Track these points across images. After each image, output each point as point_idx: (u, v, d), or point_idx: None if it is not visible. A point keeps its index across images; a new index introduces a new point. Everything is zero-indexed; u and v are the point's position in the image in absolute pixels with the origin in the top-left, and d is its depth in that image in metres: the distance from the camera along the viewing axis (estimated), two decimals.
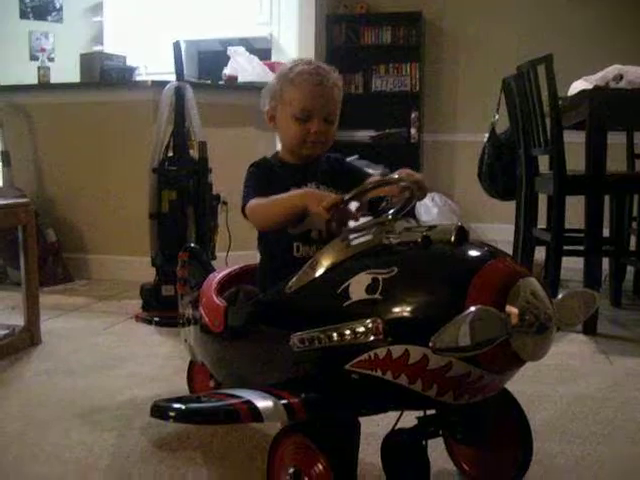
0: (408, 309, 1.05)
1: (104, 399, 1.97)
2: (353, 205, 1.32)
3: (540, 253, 3.57)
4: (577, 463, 1.56)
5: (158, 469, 1.52)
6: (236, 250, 3.06)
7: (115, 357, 2.40)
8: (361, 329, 1.08)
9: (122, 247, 3.83)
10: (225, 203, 3.13)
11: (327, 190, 1.50)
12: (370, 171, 1.64)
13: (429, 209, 5.68)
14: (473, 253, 1.11)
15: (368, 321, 1.08)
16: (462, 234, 1.12)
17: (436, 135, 6.18)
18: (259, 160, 1.59)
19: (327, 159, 1.62)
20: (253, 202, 1.46)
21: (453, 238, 1.11)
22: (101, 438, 1.69)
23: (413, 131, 6.10)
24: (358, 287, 1.11)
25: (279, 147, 1.64)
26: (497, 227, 5.41)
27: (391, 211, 1.29)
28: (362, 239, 1.20)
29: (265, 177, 1.53)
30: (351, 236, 1.22)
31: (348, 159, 1.71)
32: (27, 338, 2.51)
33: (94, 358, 2.39)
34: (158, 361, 2.35)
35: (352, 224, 1.30)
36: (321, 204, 1.27)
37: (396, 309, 1.06)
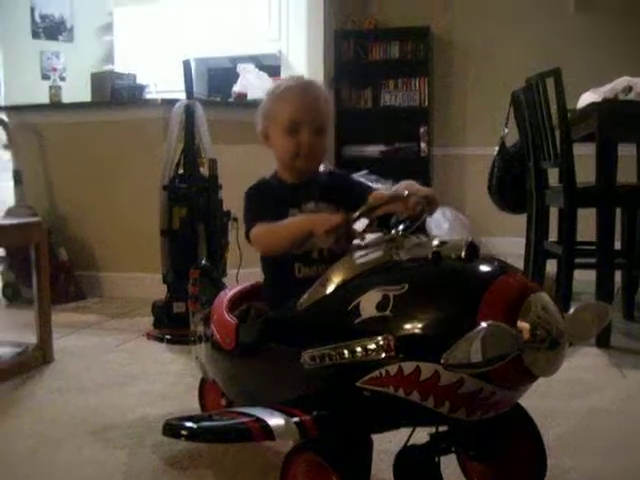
0: (419, 326, 1.05)
1: (116, 417, 1.98)
2: (363, 222, 1.31)
3: (552, 266, 3.55)
4: (591, 477, 1.55)
5: None
6: (247, 267, 3.05)
7: (127, 375, 2.40)
8: (372, 346, 1.08)
9: (134, 264, 3.84)
10: (236, 220, 3.13)
11: (326, 207, 1.51)
12: (375, 186, 1.63)
13: (440, 223, 5.67)
14: (484, 269, 1.10)
15: (379, 338, 1.08)
16: (473, 249, 1.12)
17: (446, 149, 6.18)
18: (257, 182, 1.60)
19: (330, 174, 1.64)
20: (257, 229, 1.46)
21: (464, 254, 1.11)
22: (113, 456, 1.70)
23: (423, 145, 6.11)
24: (369, 304, 1.11)
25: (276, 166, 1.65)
26: (508, 240, 5.39)
27: (401, 227, 1.29)
28: (372, 256, 1.20)
29: (264, 199, 1.54)
30: (361, 253, 1.22)
31: (358, 174, 1.72)
32: (39, 356, 2.52)
33: (106, 376, 2.39)
34: (170, 379, 2.35)
35: (357, 242, 1.30)
36: (325, 228, 1.27)
37: (407, 326, 1.06)
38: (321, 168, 1.64)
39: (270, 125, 1.59)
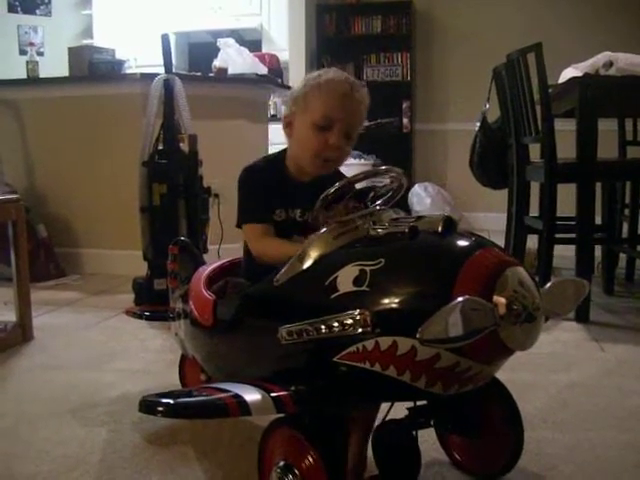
0: (395, 300, 1.05)
1: (96, 394, 1.97)
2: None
3: (533, 241, 3.57)
4: (568, 451, 1.56)
5: (150, 464, 1.52)
6: (228, 243, 3.06)
7: (107, 352, 2.39)
8: (349, 321, 1.08)
9: (115, 241, 3.82)
10: (217, 196, 3.12)
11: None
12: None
13: (422, 199, 5.68)
14: (460, 243, 1.10)
15: (356, 313, 1.07)
16: (449, 224, 1.12)
17: (428, 124, 6.18)
18: (253, 166, 1.51)
19: (338, 175, 1.50)
20: (251, 231, 1.44)
21: (440, 228, 1.11)
22: (93, 433, 1.69)
23: (405, 120, 6.11)
24: (346, 279, 1.10)
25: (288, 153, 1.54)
26: (491, 216, 5.42)
27: (379, 202, 1.28)
28: (349, 231, 1.20)
29: (257, 193, 1.46)
30: (339, 228, 1.21)
31: None
32: (19, 334, 2.51)
33: (86, 353, 2.38)
34: (150, 355, 2.35)
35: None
36: None
37: (383, 301, 1.05)
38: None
39: (299, 112, 1.46)
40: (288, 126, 1.50)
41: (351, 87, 1.44)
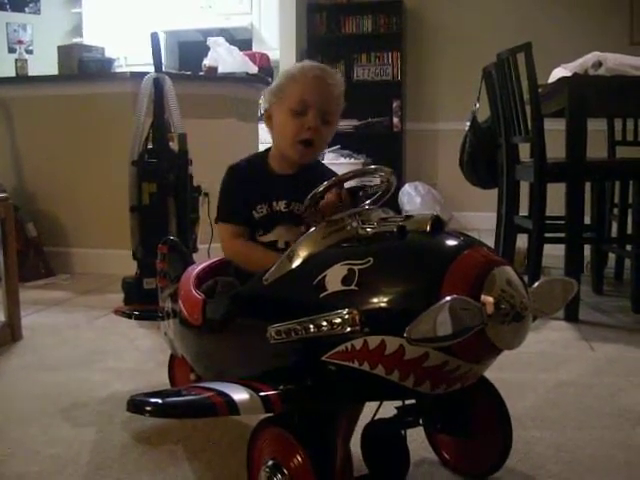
0: (384, 300, 1.05)
1: (85, 394, 1.96)
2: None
3: (523, 240, 3.58)
4: (557, 450, 1.57)
5: (138, 464, 1.52)
6: (218, 242, 3.03)
7: (97, 351, 2.38)
8: (337, 320, 1.07)
9: (104, 240, 3.81)
10: (206, 195, 3.11)
11: (298, 207, 1.48)
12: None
13: (412, 198, 5.69)
14: (449, 243, 1.10)
15: (344, 312, 1.07)
16: (438, 224, 1.12)
17: (419, 124, 6.18)
18: (238, 163, 1.56)
19: (322, 172, 1.54)
20: (226, 232, 1.52)
21: (429, 228, 1.11)
22: (82, 433, 1.69)
23: (396, 120, 6.11)
24: (334, 278, 1.10)
25: (268, 149, 1.61)
26: (481, 215, 5.43)
27: (368, 201, 1.28)
28: (338, 230, 1.20)
29: (237, 194, 1.52)
30: (327, 227, 1.21)
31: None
32: (8, 334, 2.50)
33: (76, 353, 2.38)
34: (140, 355, 2.34)
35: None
36: None
37: (372, 300, 1.05)
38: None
39: (277, 102, 1.52)
40: (269, 119, 1.57)
41: (322, 71, 1.50)
